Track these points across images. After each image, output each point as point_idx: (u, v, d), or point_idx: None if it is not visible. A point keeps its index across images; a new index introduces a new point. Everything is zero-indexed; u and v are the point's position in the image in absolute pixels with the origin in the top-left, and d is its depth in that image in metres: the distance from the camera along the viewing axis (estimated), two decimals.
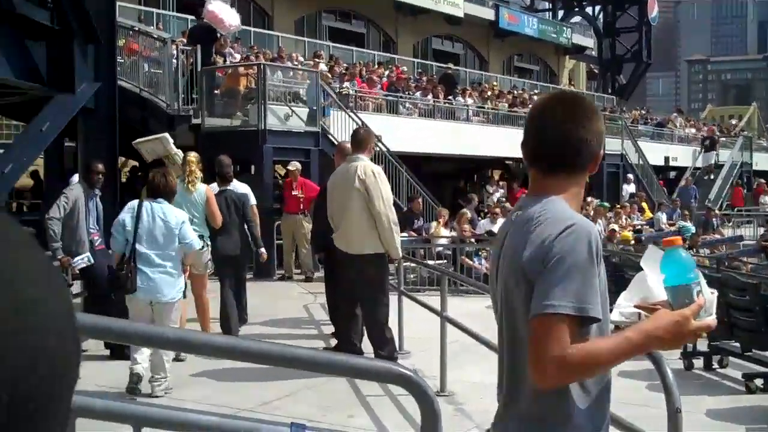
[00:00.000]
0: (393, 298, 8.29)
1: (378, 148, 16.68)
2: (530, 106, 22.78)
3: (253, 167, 16.46)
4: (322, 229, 8.36)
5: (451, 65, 32.07)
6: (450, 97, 23.84)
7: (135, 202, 6.91)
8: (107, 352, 8.21)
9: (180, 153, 9.41)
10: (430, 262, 9.32)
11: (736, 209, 29.56)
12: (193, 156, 8.99)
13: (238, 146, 15.43)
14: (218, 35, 16.07)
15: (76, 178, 9.28)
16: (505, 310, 2.09)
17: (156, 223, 6.72)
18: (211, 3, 15.61)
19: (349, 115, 16.84)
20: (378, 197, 7.13)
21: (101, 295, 8.01)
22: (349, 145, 9.11)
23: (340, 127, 16.43)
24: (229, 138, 15.50)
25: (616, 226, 18.01)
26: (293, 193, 14.46)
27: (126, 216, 6.78)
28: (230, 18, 15.87)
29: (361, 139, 7.56)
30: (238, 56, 19.58)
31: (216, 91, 16.55)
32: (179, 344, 1.76)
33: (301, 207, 14.37)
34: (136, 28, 15.64)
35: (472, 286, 8.63)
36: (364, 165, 7.30)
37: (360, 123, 16.73)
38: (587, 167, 2.20)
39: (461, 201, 19.72)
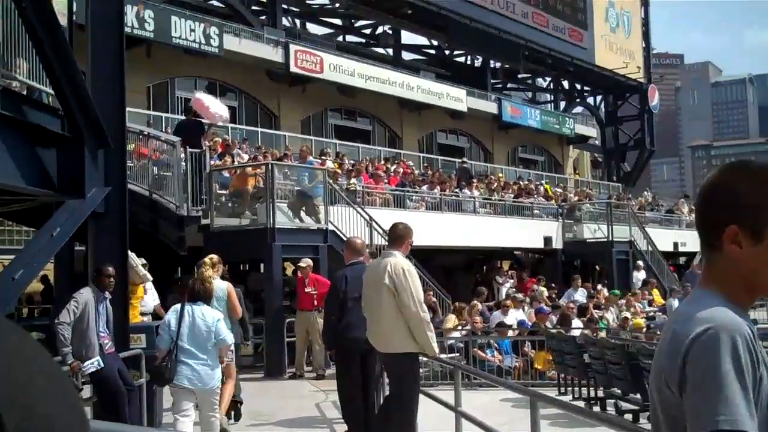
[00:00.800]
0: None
1: (387, 243, 16.78)
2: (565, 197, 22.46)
3: (262, 265, 16.51)
4: (333, 324, 8.37)
5: (465, 159, 32.52)
6: (456, 190, 24.02)
7: (178, 306, 7.90)
8: None
9: (140, 263, 11.22)
10: (443, 356, 9.24)
11: None
12: (207, 259, 10.03)
13: (247, 245, 15.54)
14: (206, 128, 16.25)
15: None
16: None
17: (196, 322, 7.70)
18: (198, 92, 15.92)
19: (357, 211, 16.95)
20: (408, 296, 7.01)
21: (111, 400, 7.93)
22: (358, 241, 9.19)
23: (347, 222, 16.50)
24: (237, 237, 15.59)
25: (628, 314, 17.87)
26: (306, 290, 14.46)
27: (171, 317, 7.80)
28: (217, 108, 16.14)
29: (398, 234, 7.42)
30: (246, 156, 19.85)
31: (224, 192, 16.71)
32: None
33: (315, 303, 14.34)
34: (146, 132, 15.90)
35: (486, 379, 8.51)
36: (395, 262, 7.19)
37: (368, 219, 16.86)
38: None
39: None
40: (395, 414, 7.41)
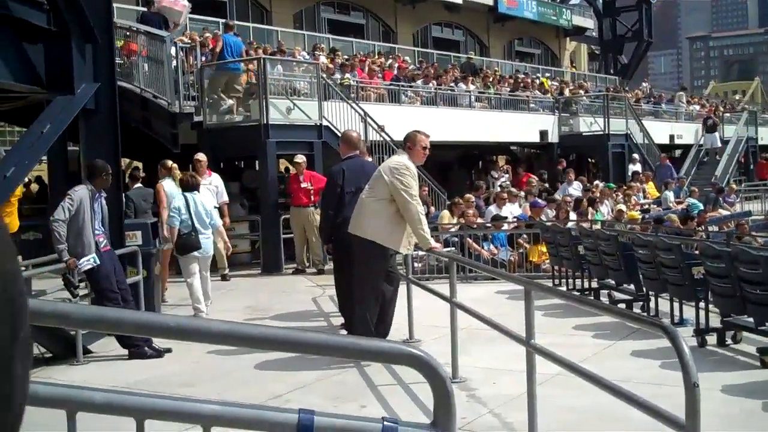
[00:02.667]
0: (401, 288, 8.29)
1: (381, 138, 16.70)
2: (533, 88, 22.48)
3: (257, 162, 16.46)
4: (330, 219, 8.37)
5: (472, 54, 32.05)
6: (452, 84, 23.77)
7: (181, 196, 10.25)
8: (125, 353, 8.22)
9: None
10: (438, 248, 9.34)
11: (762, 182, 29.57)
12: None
13: (241, 142, 15.46)
14: (171, 25, 16.00)
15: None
16: None
17: (198, 207, 10.13)
18: None
19: (351, 106, 16.79)
20: (403, 188, 7.32)
21: (107, 296, 7.99)
22: (354, 134, 9.14)
23: (342, 118, 16.38)
24: (231, 134, 15.49)
25: (623, 206, 17.94)
26: (302, 185, 14.47)
27: (180, 203, 10.09)
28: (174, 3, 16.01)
29: (412, 138, 7.65)
30: None
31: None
32: (178, 331, 1.71)
33: (311, 198, 14.40)
34: (134, 28, 15.59)
35: (481, 270, 8.56)
36: (399, 159, 7.53)
37: (362, 114, 16.73)
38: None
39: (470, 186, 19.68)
40: (355, 299, 7.75)
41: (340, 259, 8.44)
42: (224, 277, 13.83)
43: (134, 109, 14.74)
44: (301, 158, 14.66)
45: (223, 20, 22.11)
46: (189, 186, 10.23)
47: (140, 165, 19.95)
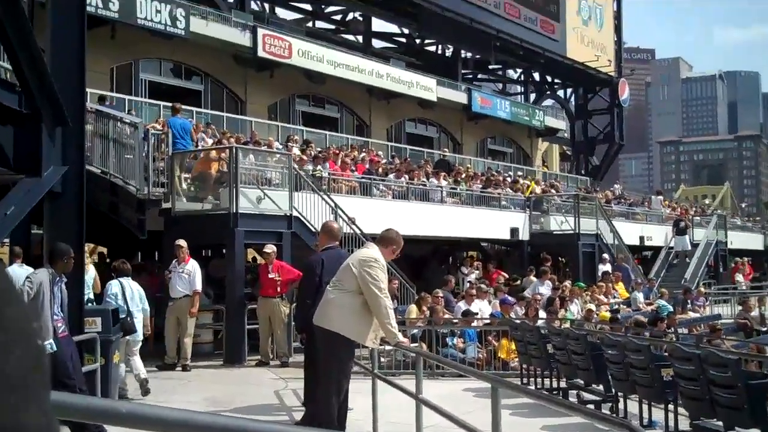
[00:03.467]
0: (366, 383, 8.20)
1: (351, 230, 16.76)
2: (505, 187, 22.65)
3: (225, 251, 16.40)
4: (306, 308, 8.32)
5: (446, 151, 32.50)
6: (424, 180, 24.04)
7: (116, 281, 10.87)
8: None
9: None
10: (405, 343, 9.26)
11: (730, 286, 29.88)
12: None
13: (209, 230, 15.44)
14: None
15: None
16: None
17: (133, 292, 10.83)
18: None
19: (323, 197, 16.88)
20: (371, 280, 7.30)
21: (63, 382, 7.82)
22: (335, 225, 9.22)
23: (312, 209, 16.46)
24: (199, 221, 15.48)
25: (593, 306, 18.02)
26: (270, 276, 14.44)
27: (117, 290, 10.77)
28: None
29: (386, 236, 7.72)
30: (210, 141, 19.68)
31: (187, 175, 16.59)
32: (131, 418, 1.68)
33: (278, 290, 14.37)
34: (106, 113, 15.70)
35: (448, 366, 8.50)
36: (370, 252, 7.55)
37: (333, 206, 16.81)
38: None
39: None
40: (317, 399, 7.66)
41: (314, 350, 8.35)
42: (185, 368, 13.62)
43: (102, 193, 14.72)
44: (270, 248, 14.68)
45: (197, 108, 22.37)
46: (122, 272, 10.97)
47: (104, 250, 19.82)
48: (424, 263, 26.00)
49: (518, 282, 21.14)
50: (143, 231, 14.60)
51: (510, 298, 16.94)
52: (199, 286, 13.74)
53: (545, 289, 19.63)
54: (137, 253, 20.67)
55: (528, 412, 9.52)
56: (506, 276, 22.41)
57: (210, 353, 15.64)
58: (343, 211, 16.96)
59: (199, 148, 17.62)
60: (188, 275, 13.70)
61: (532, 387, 11.41)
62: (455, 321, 14.78)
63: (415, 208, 22.05)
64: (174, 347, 13.87)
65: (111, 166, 15.10)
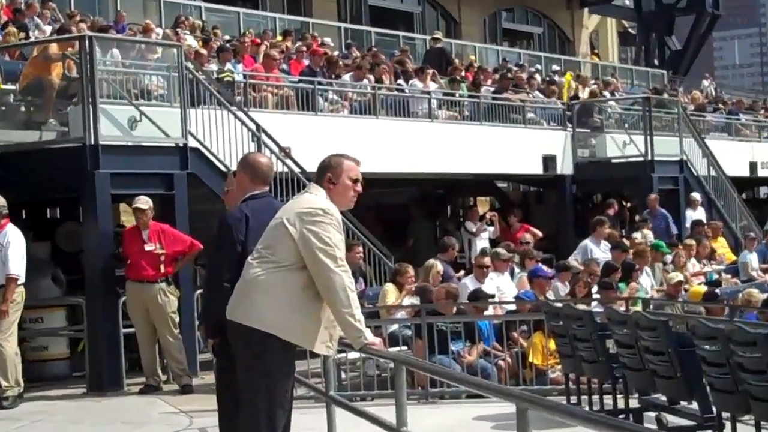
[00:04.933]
0: (318, 413, 8.17)
1: (285, 168, 16.67)
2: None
3: (81, 209, 16.27)
4: (221, 296, 8.16)
5: (438, 34, 32.16)
6: (400, 82, 23.88)
7: None
8: None
9: None
10: (378, 347, 9.13)
11: None
12: None
13: (52, 175, 15.27)
14: None
15: None
16: None
17: None
18: None
19: (237, 116, 16.74)
20: (318, 245, 7.24)
21: None
22: (264, 159, 9.10)
23: (220, 135, 16.38)
24: (36, 161, 15.33)
25: (680, 276, 18.03)
26: (145, 247, 14.34)
27: None
28: None
29: (323, 165, 7.67)
30: (48, 28, 19.42)
31: (11, 87, 16.45)
32: None
33: (162, 269, 14.29)
34: None
35: (448, 380, 8.48)
36: (310, 199, 7.50)
37: (254, 129, 16.67)
38: None
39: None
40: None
41: (232, 364, 8.25)
42: (13, 401, 13.46)
43: None
44: (145, 202, 14.50)
45: None
46: None
47: None
48: (405, 217, 26.01)
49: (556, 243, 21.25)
50: None
51: (545, 268, 16.94)
52: (14, 268, 13.46)
53: (601, 253, 19.68)
54: None
55: None
56: (538, 234, 22.41)
57: (65, 375, 15.61)
58: (270, 137, 16.91)
59: (31, 39, 17.38)
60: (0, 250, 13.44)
61: (585, 408, 11.46)
62: (459, 307, 14.77)
63: (388, 129, 21.93)
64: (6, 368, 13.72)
65: None
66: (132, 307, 14.58)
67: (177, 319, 14.48)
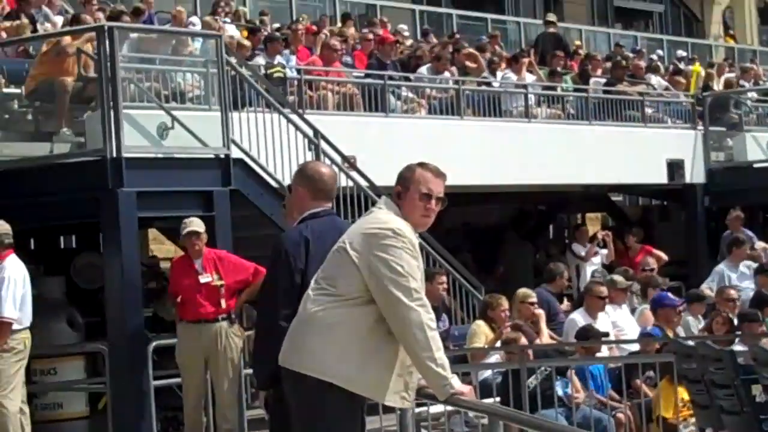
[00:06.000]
0: None
1: (349, 182, 16.62)
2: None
3: (101, 237, 16.31)
4: (272, 339, 8.08)
5: (552, 16, 32.08)
6: (485, 74, 23.74)
7: None
8: None
9: None
10: (467, 398, 9.02)
11: None
12: None
13: (66, 195, 15.30)
14: None
15: None
16: None
17: None
18: None
19: (289, 120, 16.72)
20: (390, 277, 7.16)
21: None
22: (326, 170, 8.99)
23: (269, 144, 16.42)
24: (46, 179, 15.38)
25: None
26: (200, 279, 14.30)
27: None
28: None
29: (404, 177, 7.59)
30: (59, 20, 19.53)
31: (16, 91, 16.53)
32: None
33: (222, 305, 14.24)
34: None
35: None
36: (380, 219, 7.44)
37: (311, 134, 16.64)
38: None
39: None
40: None
41: (288, 422, 8.18)
42: None
43: None
44: (199, 224, 14.48)
45: None
46: None
47: None
48: (497, 240, 25.94)
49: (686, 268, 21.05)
50: None
51: (673, 297, 16.74)
52: (8, 310, 13.39)
53: (742, 279, 19.47)
54: None
55: None
56: (663, 257, 22.21)
57: None
58: (331, 144, 16.88)
59: (40, 32, 17.47)
60: None
61: None
62: (566, 349, 14.62)
63: (475, 132, 21.91)
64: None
65: None
66: (186, 354, 14.49)
67: (241, 369, 14.44)
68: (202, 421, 14.60)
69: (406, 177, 7.51)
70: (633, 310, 17.08)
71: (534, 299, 15.68)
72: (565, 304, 17.93)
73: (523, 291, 15.73)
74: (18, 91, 16.59)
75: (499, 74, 24.20)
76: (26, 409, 13.49)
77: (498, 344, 14.64)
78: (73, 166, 15.48)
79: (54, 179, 15.45)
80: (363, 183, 16.78)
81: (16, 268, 13.54)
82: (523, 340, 14.38)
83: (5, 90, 16.45)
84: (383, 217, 7.44)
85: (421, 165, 7.59)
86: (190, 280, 14.36)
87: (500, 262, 24.36)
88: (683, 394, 13.29)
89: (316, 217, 8.45)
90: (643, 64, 28.90)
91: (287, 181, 15.13)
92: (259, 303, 9.59)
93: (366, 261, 7.18)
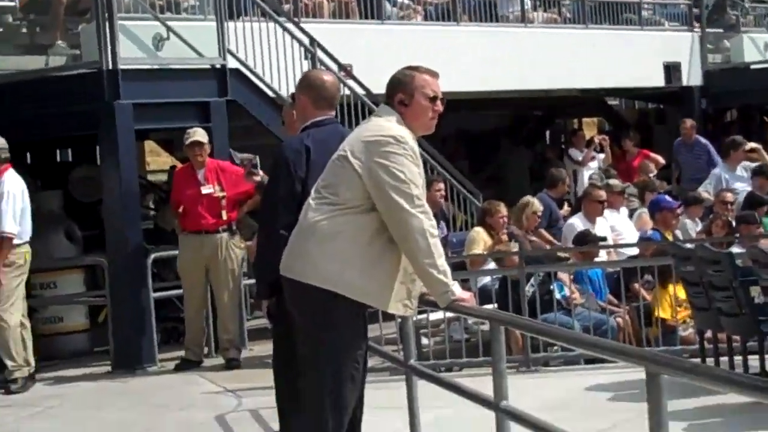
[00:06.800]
0: (397, 387, 8.13)
1: (346, 90, 16.62)
2: None
3: (98, 149, 16.34)
4: (278, 247, 8.10)
5: None
6: None
7: None
8: None
9: None
10: (468, 303, 9.03)
11: None
12: None
13: (63, 107, 15.31)
14: None
15: None
16: None
17: None
18: None
19: (285, 29, 16.68)
20: (392, 183, 7.17)
21: None
22: (328, 78, 9.00)
23: (265, 53, 16.37)
24: (43, 91, 15.40)
25: None
26: (202, 190, 14.35)
27: None
28: None
29: (393, 83, 7.55)
30: None
31: (10, 3, 16.48)
32: None
33: (223, 216, 14.32)
34: None
35: (558, 343, 8.40)
36: (381, 126, 7.42)
37: (307, 43, 16.62)
38: None
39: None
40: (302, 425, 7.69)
41: (290, 330, 8.22)
42: (28, 380, 13.59)
43: None
44: (202, 134, 14.51)
45: None
46: None
47: None
48: (494, 146, 25.95)
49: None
50: None
51: (669, 199, 16.76)
52: (8, 225, 13.45)
53: (739, 181, 19.49)
54: None
55: (723, 422, 9.52)
56: (660, 161, 22.25)
57: (85, 351, 15.74)
58: (327, 53, 16.88)
59: None
60: None
61: (729, 369, 11.36)
62: (564, 255, 14.69)
63: (472, 38, 21.84)
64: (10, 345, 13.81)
65: None
66: (187, 264, 14.60)
67: (241, 279, 14.56)
68: (203, 332, 14.72)
69: (406, 83, 7.45)
70: (631, 213, 17.16)
71: (540, 210, 15.76)
72: (565, 209, 17.95)
73: (531, 201, 15.75)
74: (12, 3, 16.49)
75: None
76: (27, 323, 13.64)
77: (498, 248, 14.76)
78: (69, 79, 15.45)
79: (50, 92, 15.41)
80: (360, 91, 16.75)
81: (14, 182, 13.61)
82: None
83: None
84: (384, 124, 7.43)
85: (416, 69, 7.56)
86: (192, 190, 14.44)
87: (497, 168, 24.35)
88: (681, 295, 13.38)
89: (318, 125, 8.46)
90: None
91: (284, 91, 15.24)
92: (260, 212, 9.65)
93: (367, 168, 7.18)
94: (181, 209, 14.63)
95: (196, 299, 14.57)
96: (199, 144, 14.34)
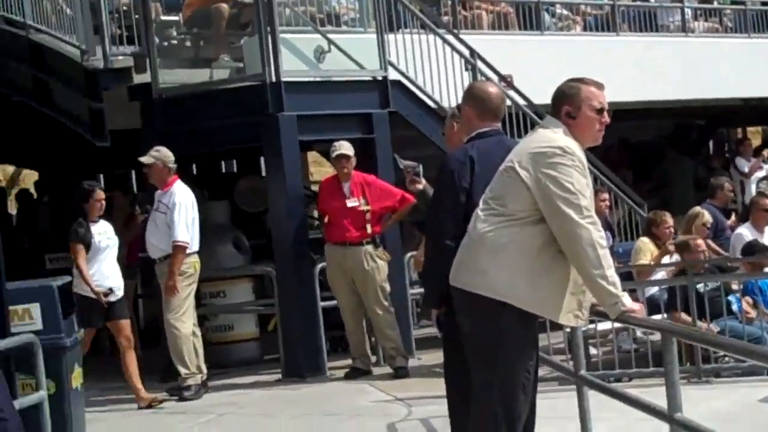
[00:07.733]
0: (567, 397, 8.12)
1: (507, 101, 16.59)
2: None
3: (263, 161, 16.46)
4: (445, 258, 8.12)
5: None
6: None
7: None
8: None
9: None
10: (637, 313, 8.97)
11: None
12: None
13: (226, 121, 15.46)
14: None
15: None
16: None
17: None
18: None
19: (445, 41, 16.69)
20: (561, 195, 7.17)
21: None
22: (493, 90, 9.01)
23: (426, 65, 16.41)
24: (206, 106, 15.56)
25: None
26: (348, 203, 14.41)
27: None
28: None
29: (558, 95, 7.56)
30: None
31: (175, 18, 16.71)
32: None
33: (368, 229, 14.35)
34: None
35: (733, 355, 8.33)
36: (548, 138, 7.40)
37: (467, 54, 16.62)
38: None
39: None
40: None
41: (460, 341, 8.23)
42: (201, 388, 13.79)
43: (17, 65, 14.92)
44: (349, 148, 14.59)
45: None
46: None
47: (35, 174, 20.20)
48: (657, 156, 25.75)
49: None
50: (102, 132, 14.71)
51: None
52: (182, 234, 13.65)
53: None
54: (96, 174, 20.85)
55: None
56: None
57: (255, 359, 15.94)
58: (487, 64, 16.83)
59: None
60: (164, 214, 13.71)
61: None
62: (733, 266, 14.53)
63: (632, 48, 21.72)
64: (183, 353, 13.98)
65: (31, 11, 15.20)
66: (333, 275, 14.67)
67: (388, 289, 14.51)
68: (365, 341, 14.76)
69: (572, 95, 7.45)
70: None
71: (710, 222, 15.58)
72: (732, 220, 17.76)
73: (700, 212, 15.57)
74: (176, 18, 16.74)
75: None
76: (198, 332, 13.86)
77: (665, 260, 14.63)
78: (233, 92, 15.57)
79: (214, 105, 15.57)
80: (521, 102, 16.73)
81: (184, 193, 13.85)
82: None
83: (163, 18, 16.56)
84: (551, 135, 7.41)
85: (582, 81, 7.55)
86: (337, 202, 14.56)
87: (661, 178, 24.17)
88: None
89: (483, 136, 8.47)
90: None
91: (445, 102, 15.27)
92: (426, 223, 9.68)
93: (535, 179, 7.17)
94: (326, 219, 14.82)
95: (349, 310, 14.65)
96: (346, 157, 14.44)
